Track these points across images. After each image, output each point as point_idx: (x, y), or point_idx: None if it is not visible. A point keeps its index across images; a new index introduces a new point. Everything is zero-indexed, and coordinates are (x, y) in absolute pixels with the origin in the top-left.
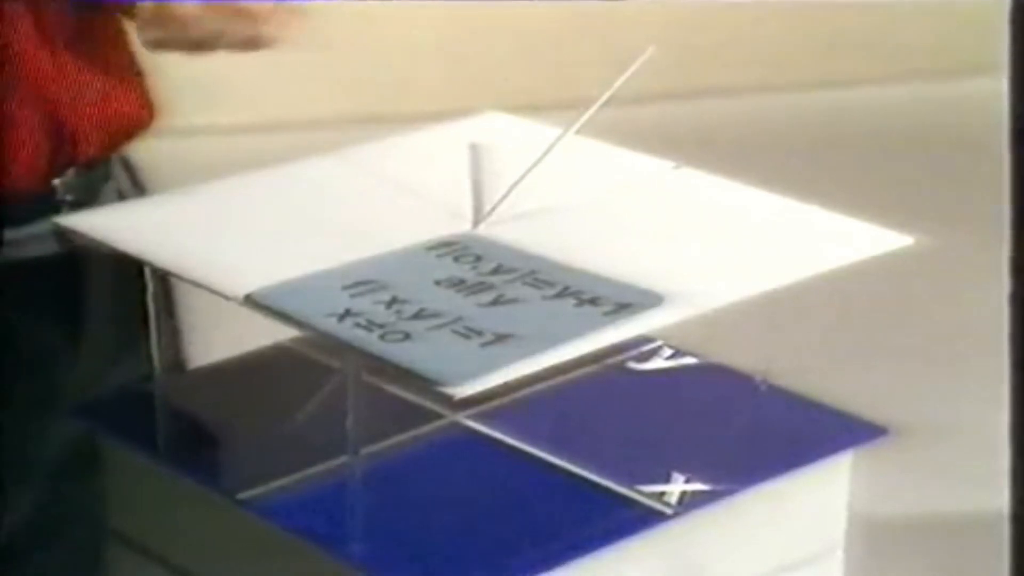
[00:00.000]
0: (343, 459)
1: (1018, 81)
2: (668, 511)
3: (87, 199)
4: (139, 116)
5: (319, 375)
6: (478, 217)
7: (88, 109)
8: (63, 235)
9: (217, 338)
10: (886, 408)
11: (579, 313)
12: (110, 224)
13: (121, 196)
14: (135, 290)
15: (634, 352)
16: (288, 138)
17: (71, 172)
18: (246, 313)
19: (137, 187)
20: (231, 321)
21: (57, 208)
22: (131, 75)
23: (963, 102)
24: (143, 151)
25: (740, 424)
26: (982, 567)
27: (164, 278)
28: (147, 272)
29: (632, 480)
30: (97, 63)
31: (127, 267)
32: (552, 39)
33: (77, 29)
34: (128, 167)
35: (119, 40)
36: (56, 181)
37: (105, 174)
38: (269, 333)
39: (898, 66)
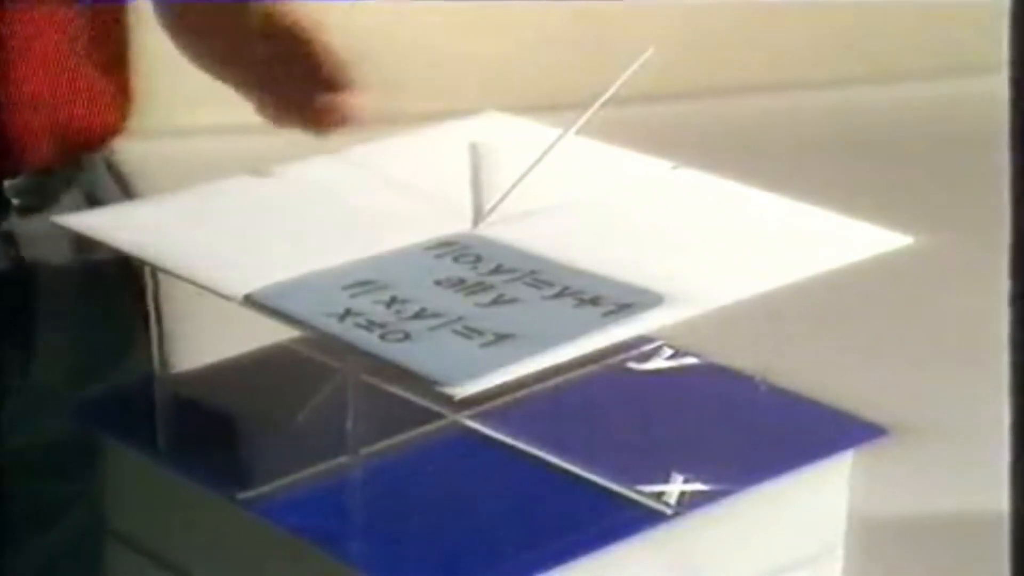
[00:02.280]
0: (343, 459)
1: (1018, 81)
2: (668, 511)
3: (39, 204)
4: (101, 124)
5: (319, 375)
6: (478, 217)
7: (36, 116)
8: (9, 242)
9: (217, 338)
10: (886, 408)
11: (579, 313)
12: (110, 224)
13: (92, 202)
14: (88, 299)
15: (634, 352)
16: (288, 138)
17: (22, 176)
18: (246, 313)
19: (124, 190)
20: (231, 321)
21: (3, 212)
22: (92, 78)
23: (963, 102)
24: (134, 152)
25: (740, 424)
26: (982, 567)
27: (155, 278)
28: (147, 272)
29: (632, 480)
30: (50, 66)
31: (79, 275)
32: (552, 39)
33: (33, 32)
34: (113, 170)
35: (88, 43)
36: (6, 184)
37: (67, 179)
38: (270, 333)
39: (898, 66)
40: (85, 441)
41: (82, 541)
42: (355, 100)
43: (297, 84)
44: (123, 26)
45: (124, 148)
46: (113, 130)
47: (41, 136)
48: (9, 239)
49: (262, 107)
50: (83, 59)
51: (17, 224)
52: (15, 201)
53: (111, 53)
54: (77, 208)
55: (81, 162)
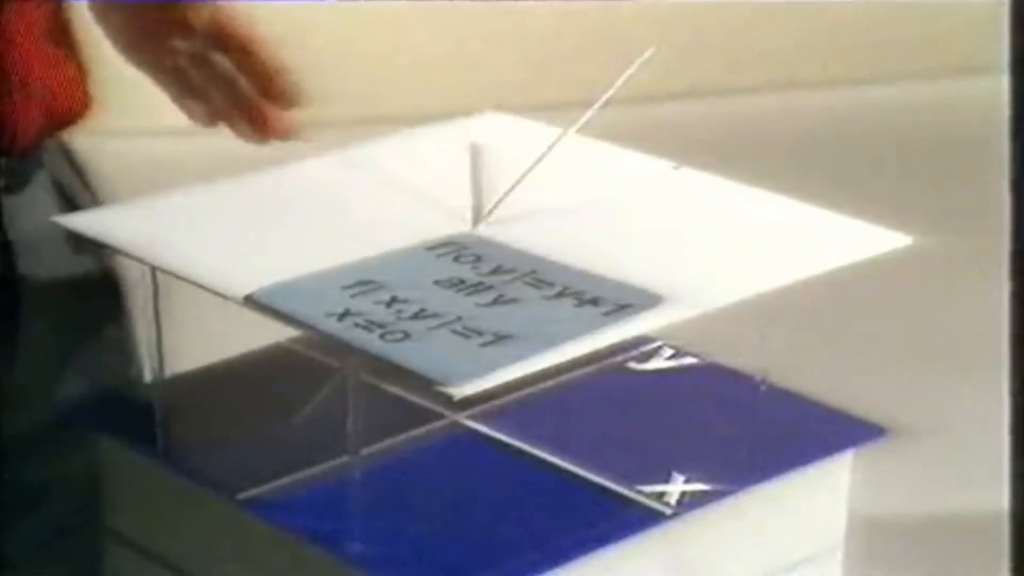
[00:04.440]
0: (343, 459)
1: (1018, 81)
2: (668, 511)
3: (18, 185)
4: (77, 109)
5: (319, 375)
6: (478, 217)
7: (29, 100)
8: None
9: (217, 338)
10: (886, 408)
11: (579, 313)
12: (110, 224)
13: (56, 184)
14: (88, 299)
15: (634, 352)
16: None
17: (3, 158)
18: (246, 313)
19: (76, 173)
20: (231, 321)
21: None
22: (69, 64)
23: (963, 102)
24: (126, 152)
25: (740, 424)
26: (982, 567)
27: (155, 278)
28: (147, 272)
29: (632, 480)
30: (34, 49)
31: (79, 274)
32: (552, 39)
33: (23, 20)
34: (67, 154)
35: (58, 30)
36: None
37: (38, 161)
38: (270, 333)
39: (898, 66)
40: (71, 432)
41: (70, 529)
42: (302, 114)
43: (242, 92)
44: (67, 10)
45: (120, 147)
46: (85, 111)
47: (34, 116)
48: None
49: (189, 108)
50: (55, 43)
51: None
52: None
53: (70, 36)
54: (47, 191)
55: (43, 148)
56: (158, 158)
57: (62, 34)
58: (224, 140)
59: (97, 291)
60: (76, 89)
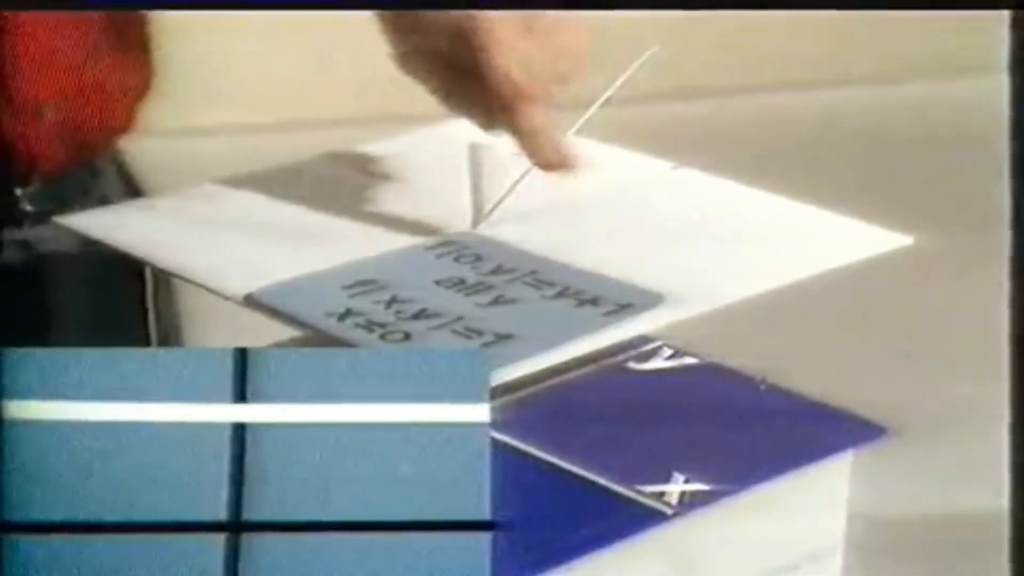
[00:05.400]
0: None
1: (1018, 81)
2: (668, 511)
3: (54, 210)
4: (110, 124)
5: None
6: (478, 217)
7: (42, 123)
8: (25, 245)
9: (217, 338)
10: (886, 408)
11: (579, 313)
12: (110, 224)
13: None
14: (104, 301)
15: (634, 352)
16: (288, 138)
17: (36, 182)
18: (246, 313)
19: (134, 192)
20: (231, 321)
21: (19, 220)
22: (108, 77)
23: (963, 102)
24: (139, 151)
25: (740, 424)
26: (982, 567)
27: (155, 278)
28: (147, 272)
29: (632, 480)
30: (56, 66)
31: (96, 277)
32: None
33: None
34: (123, 173)
35: (95, 40)
36: (18, 191)
37: (82, 185)
38: (271, 333)
39: (898, 66)
40: None
41: None
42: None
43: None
44: (137, 21)
45: (126, 147)
46: (123, 129)
47: (51, 140)
48: (26, 247)
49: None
50: (90, 57)
51: (33, 231)
52: (31, 208)
53: (121, 49)
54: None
55: (94, 167)
56: (190, 158)
57: (101, 44)
58: (248, 139)
59: (120, 306)
60: (109, 104)
